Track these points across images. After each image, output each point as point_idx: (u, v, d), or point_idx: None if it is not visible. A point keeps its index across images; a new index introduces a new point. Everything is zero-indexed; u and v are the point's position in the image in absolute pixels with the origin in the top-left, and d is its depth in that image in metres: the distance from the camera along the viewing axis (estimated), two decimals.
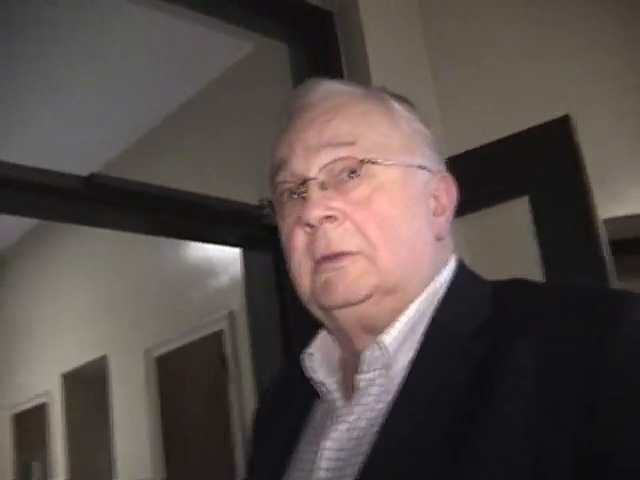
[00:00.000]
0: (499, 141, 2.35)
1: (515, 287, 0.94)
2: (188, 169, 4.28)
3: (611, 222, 2.40)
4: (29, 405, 6.60)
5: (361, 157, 0.92)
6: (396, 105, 0.99)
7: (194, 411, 4.46)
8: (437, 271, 0.96)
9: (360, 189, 0.92)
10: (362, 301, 0.91)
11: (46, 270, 6.36)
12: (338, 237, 0.90)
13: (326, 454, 0.88)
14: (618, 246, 2.38)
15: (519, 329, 0.83)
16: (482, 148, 2.36)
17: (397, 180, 0.94)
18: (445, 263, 0.99)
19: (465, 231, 2.27)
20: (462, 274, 0.99)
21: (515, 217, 2.31)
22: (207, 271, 4.47)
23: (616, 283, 2.19)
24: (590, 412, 0.74)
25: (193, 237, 3.47)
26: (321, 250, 0.91)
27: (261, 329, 3.20)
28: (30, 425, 6.61)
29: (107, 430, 5.52)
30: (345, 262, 0.90)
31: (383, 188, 0.92)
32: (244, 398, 4.05)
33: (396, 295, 0.92)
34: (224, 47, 4.03)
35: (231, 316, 4.18)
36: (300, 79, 2.92)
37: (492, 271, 1.01)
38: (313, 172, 0.92)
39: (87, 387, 6.11)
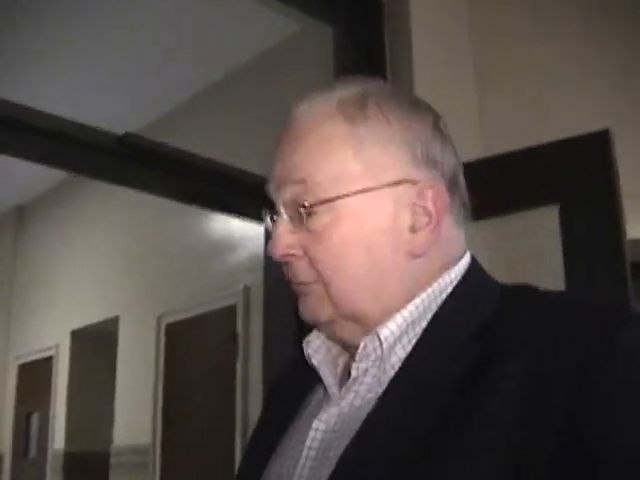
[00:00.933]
0: (536, 147, 2.33)
1: (522, 293, 0.94)
2: (220, 142, 4.28)
3: (636, 243, 2.38)
4: (36, 357, 6.67)
5: (308, 200, 0.93)
6: (374, 114, 0.95)
7: (198, 383, 4.49)
8: (422, 286, 0.95)
9: (316, 224, 0.94)
10: (327, 324, 0.97)
11: (68, 226, 6.41)
12: (298, 270, 0.97)
13: (314, 434, 0.92)
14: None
15: (515, 337, 0.85)
16: (519, 152, 2.35)
17: (356, 209, 0.93)
18: (455, 262, 0.98)
19: (490, 233, 2.26)
20: (473, 274, 0.98)
21: (543, 224, 2.29)
22: (228, 245, 4.48)
23: (636, 304, 2.18)
24: (574, 427, 0.75)
25: (218, 207, 3.49)
26: (291, 277, 0.98)
27: (276, 307, 3.20)
28: (35, 377, 6.68)
29: (110, 391, 5.57)
30: (306, 290, 0.97)
31: (339, 220, 0.93)
32: (250, 376, 4.07)
33: (358, 320, 0.95)
34: (269, 25, 4.03)
35: (245, 291, 4.19)
36: (341, 64, 2.91)
37: (512, 276, 1.00)
38: (279, 206, 0.98)
39: (95, 346, 6.17)
